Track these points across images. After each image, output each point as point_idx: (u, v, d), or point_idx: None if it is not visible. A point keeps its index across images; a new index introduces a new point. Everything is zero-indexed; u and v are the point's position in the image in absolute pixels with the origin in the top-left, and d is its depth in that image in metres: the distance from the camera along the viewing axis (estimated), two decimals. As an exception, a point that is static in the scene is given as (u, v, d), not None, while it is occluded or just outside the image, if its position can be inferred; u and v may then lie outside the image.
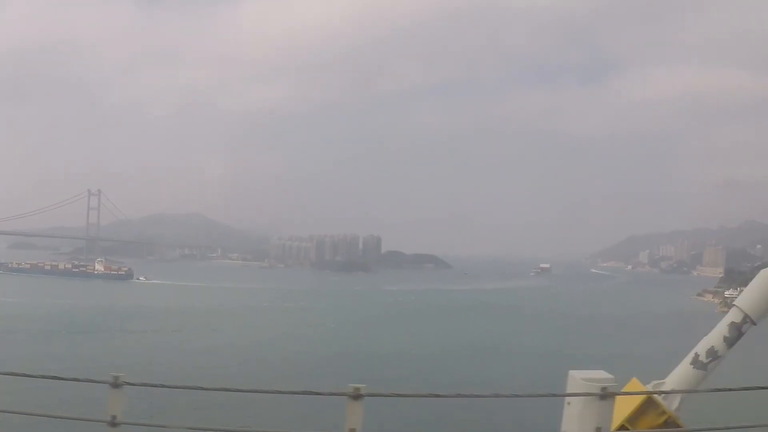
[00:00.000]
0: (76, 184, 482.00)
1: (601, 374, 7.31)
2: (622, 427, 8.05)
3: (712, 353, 8.38)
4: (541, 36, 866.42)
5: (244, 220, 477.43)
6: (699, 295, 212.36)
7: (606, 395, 6.93)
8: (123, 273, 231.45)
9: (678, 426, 8.09)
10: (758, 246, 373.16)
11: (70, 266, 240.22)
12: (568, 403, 7.33)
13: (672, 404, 8.30)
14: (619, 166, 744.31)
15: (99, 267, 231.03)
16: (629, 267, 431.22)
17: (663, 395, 8.28)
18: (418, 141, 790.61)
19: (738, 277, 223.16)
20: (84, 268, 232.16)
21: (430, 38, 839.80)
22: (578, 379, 7.24)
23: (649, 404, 8.21)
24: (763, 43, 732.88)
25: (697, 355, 8.43)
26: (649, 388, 8.38)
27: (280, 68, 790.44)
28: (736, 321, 8.36)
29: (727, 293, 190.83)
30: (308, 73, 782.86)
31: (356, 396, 6.06)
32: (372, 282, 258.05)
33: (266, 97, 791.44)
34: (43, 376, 7.35)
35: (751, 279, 8.66)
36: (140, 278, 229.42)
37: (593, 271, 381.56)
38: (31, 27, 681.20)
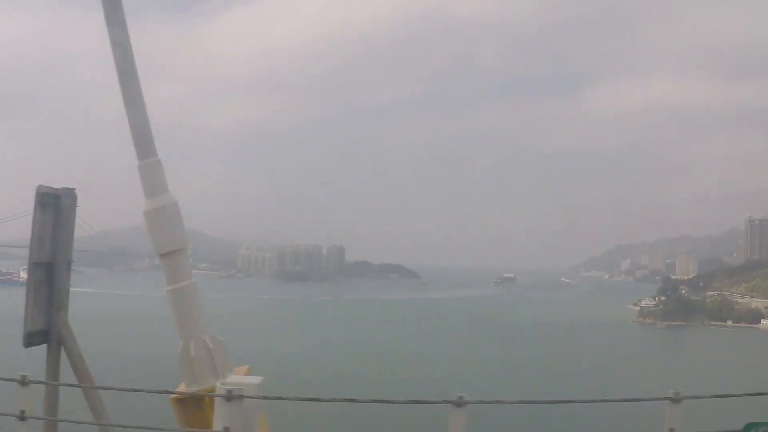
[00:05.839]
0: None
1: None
2: None
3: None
4: (514, 50, 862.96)
5: (230, 230, 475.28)
6: (635, 304, 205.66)
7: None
8: None
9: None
10: (734, 254, 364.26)
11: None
12: None
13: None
14: (606, 177, 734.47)
15: (24, 275, 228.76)
16: (607, 276, 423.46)
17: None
18: (397, 154, 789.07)
19: (672, 283, 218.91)
20: (10, 276, 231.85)
21: (403, 54, 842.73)
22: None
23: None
24: (734, 52, 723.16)
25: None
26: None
27: (258, 87, 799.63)
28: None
29: (643, 302, 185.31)
30: (287, 92, 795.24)
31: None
32: (314, 292, 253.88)
33: (247, 113, 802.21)
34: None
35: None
36: None
37: (564, 280, 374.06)
38: (16, 42, 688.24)
